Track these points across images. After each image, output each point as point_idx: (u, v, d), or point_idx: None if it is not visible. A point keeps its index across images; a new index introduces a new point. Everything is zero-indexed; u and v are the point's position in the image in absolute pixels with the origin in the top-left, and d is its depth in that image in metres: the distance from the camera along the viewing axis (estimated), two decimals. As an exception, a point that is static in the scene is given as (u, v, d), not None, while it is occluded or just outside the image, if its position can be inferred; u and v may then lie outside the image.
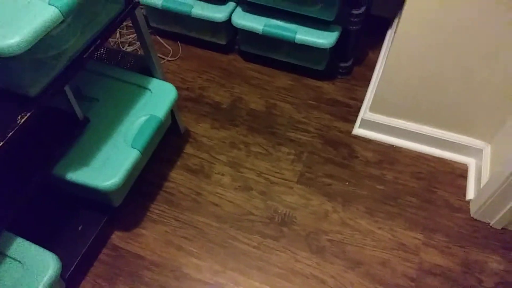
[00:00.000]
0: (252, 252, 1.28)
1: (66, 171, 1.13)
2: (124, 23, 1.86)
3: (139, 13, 1.17)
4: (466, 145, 1.42)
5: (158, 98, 1.29)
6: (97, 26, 1.06)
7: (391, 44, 1.29)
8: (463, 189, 1.40)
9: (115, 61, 1.53)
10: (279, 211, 1.36)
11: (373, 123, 1.49)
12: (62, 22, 0.89)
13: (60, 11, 0.86)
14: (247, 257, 1.27)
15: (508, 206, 1.24)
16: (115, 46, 1.80)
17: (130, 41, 1.82)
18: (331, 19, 1.47)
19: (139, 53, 1.79)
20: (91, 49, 1.05)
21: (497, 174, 1.23)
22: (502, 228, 1.32)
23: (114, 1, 1.07)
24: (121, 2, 1.09)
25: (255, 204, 1.38)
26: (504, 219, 1.28)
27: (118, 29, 1.83)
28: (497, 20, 1.08)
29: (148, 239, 1.31)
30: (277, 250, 1.29)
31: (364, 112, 1.51)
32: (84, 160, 1.16)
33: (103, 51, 1.56)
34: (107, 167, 1.14)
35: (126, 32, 1.85)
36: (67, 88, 1.11)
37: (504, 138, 1.32)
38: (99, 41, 1.06)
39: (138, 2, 1.15)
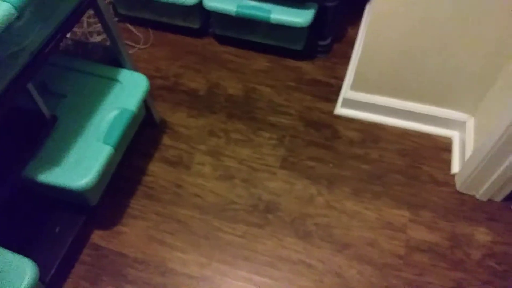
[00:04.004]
0: (238, 241, 1.25)
1: (37, 173, 1.08)
2: (91, 12, 1.77)
3: (102, 2, 1.10)
4: (449, 119, 1.40)
5: (129, 90, 1.23)
6: (57, 19, 1.00)
7: (369, 19, 1.25)
8: (448, 163, 1.39)
9: (82, 53, 1.46)
10: (263, 198, 1.33)
11: (355, 102, 1.46)
12: (17, 17, 0.83)
13: (13, 6, 0.81)
14: (233, 247, 1.25)
15: (493, 178, 1.23)
16: (82, 37, 1.72)
17: (98, 31, 1.74)
18: (306, -4, 1.42)
19: (108, 43, 1.71)
20: (52, 43, 0.99)
21: (481, 146, 1.21)
22: (488, 200, 1.31)
23: (70, -9, 1.00)
24: (79, -9, 1.03)
25: (238, 192, 1.35)
26: (489, 190, 1.27)
27: (85, 19, 1.75)
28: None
29: (130, 236, 1.27)
30: (263, 238, 1.26)
31: (346, 91, 1.47)
32: (55, 160, 1.11)
33: (70, 43, 1.49)
34: (80, 165, 1.09)
35: (93, 21, 1.77)
36: (30, 86, 1.05)
37: (487, 109, 1.30)
38: (59, 35, 0.99)
39: (99, -11, 1.08)
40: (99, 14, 1.12)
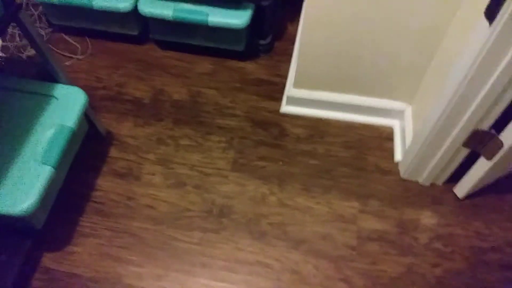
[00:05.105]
0: (194, 249, 1.25)
1: (-29, 202, 1.03)
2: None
3: (25, 16, 1.05)
4: (388, 109, 1.45)
5: (65, 105, 1.19)
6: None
7: (303, 17, 1.27)
8: (391, 152, 1.44)
9: (16, 70, 1.39)
10: (217, 202, 1.33)
11: (299, 99, 1.48)
12: None
13: None
14: (189, 255, 1.24)
15: (433, 162, 1.29)
16: (15, 51, 1.64)
17: (32, 43, 1.66)
18: (242, -3, 1.42)
19: (44, 55, 1.64)
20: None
21: (418, 133, 1.27)
22: (431, 184, 1.37)
23: (-11, 8, 0.95)
24: (-1, 7, 0.97)
25: (191, 199, 1.34)
26: (431, 175, 1.33)
27: (17, 32, 1.66)
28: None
29: (82, 255, 1.23)
30: (219, 243, 1.26)
31: (289, 89, 1.49)
32: (-10, 187, 1.05)
33: (1, 60, 1.42)
34: (18, 190, 1.04)
35: (26, 33, 1.68)
36: (-46, 111, 0.99)
37: (422, 97, 1.36)
38: (-21, 55, 0.94)
39: (21, 4, 1.03)
40: (23, 29, 1.07)
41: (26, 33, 1.08)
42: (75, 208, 1.31)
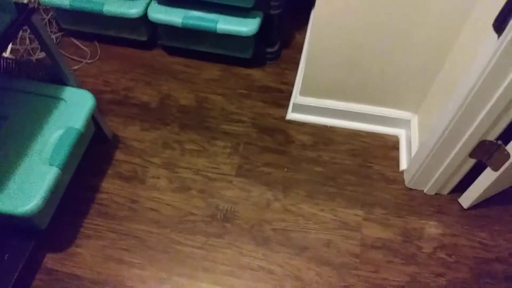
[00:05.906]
0: (197, 253, 1.25)
1: (-22, 200, 1.03)
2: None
3: (37, 19, 1.06)
4: (395, 118, 1.45)
5: (74, 107, 1.20)
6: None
7: (312, 26, 1.28)
8: (396, 161, 1.44)
9: (26, 72, 1.41)
10: (221, 207, 1.33)
11: (305, 106, 1.48)
12: None
13: None
14: (192, 259, 1.24)
15: (438, 172, 1.28)
16: (25, 54, 1.66)
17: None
18: (250, 6, 1.43)
19: (54, 58, 1.66)
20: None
21: (424, 143, 1.27)
22: (436, 194, 1.37)
23: (2, 11, 0.97)
24: (12, 11, 0.99)
25: (195, 203, 1.34)
26: (436, 185, 1.33)
27: (27, 35, 1.69)
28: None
29: (85, 256, 1.23)
30: (222, 248, 1.26)
31: (295, 97, 1.50)
32: (-3, 186, 1.06)
33: (11, 62, 1.44)
34: (24, 190, 1.05)
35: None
36: (-35, 110, 1.00)
37: (428, 107, 1.36)
38: (-9, 56, 0.96)
39: (34, 8, 1.05)
40: (35, 32, 1.09)
41: (38, 37, 1.10)
42: (79, 209, 1.32)
